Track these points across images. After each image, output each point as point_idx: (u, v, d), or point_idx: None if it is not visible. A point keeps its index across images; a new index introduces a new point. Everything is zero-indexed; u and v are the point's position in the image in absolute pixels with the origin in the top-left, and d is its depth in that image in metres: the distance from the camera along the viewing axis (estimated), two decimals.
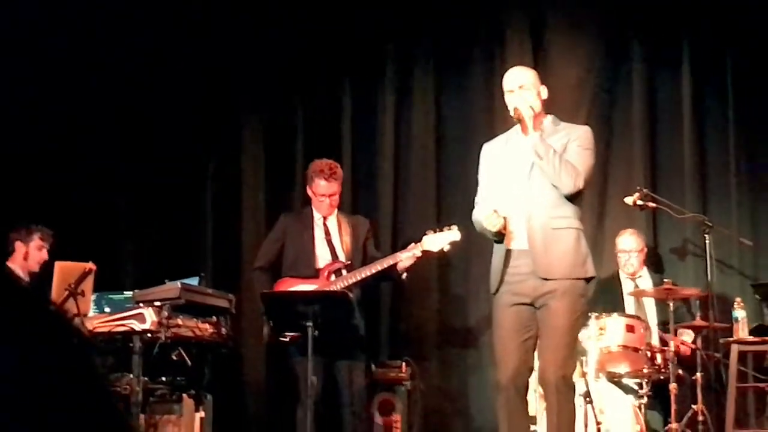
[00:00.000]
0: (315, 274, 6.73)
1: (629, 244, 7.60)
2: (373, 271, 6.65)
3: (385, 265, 6.65)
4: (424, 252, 6.52)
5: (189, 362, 6.42)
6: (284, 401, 7.11)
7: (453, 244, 6.44)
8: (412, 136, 8.37)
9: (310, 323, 6.22)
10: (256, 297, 6.65)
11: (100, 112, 7.98)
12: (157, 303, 6.19)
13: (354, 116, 8.39)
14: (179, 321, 6.25)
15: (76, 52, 7.75)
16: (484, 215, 5.37)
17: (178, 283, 6.33)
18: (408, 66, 8.43)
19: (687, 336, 7.30)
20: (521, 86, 5.47)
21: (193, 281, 6.77)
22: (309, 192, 6.91)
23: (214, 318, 6.57)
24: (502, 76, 5.82)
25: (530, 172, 5.38)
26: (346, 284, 6.64)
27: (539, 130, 5.41)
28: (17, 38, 7.50)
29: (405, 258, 6.56)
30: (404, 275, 6.66)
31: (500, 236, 5.40)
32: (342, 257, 6.82)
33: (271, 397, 7.78)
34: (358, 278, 6.67)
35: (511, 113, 5.46)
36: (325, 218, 6.88)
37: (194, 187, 8.25)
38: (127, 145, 8.11)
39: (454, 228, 6.40)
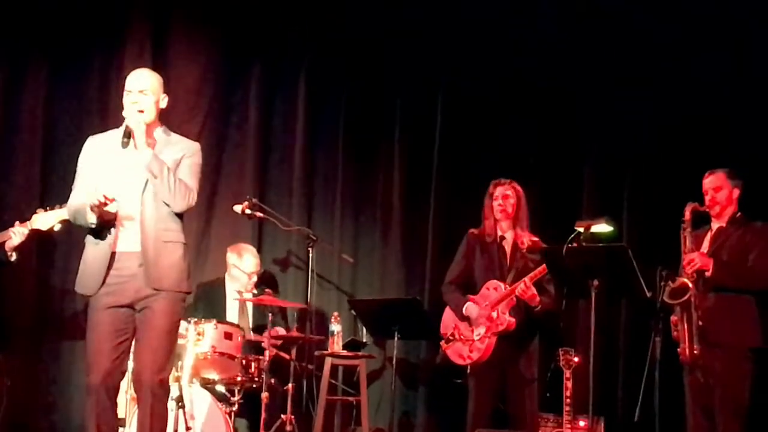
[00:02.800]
0: None
1: (253, 266, 7.67)
2: None
3: None
4: (34, 230, 6.25)
5: None
6: None
7: (63, 222, 6.14)
8: (20, 124, 7.97)
9: None
10: None
11: None
12: None
13: None
14: None
15: None
16: (93, 196, 5.17)
17: None
18: (22, 56, 8.01)
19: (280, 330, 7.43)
20: (141, 90, 5.33)
21: None
22: None
23: None
24: (120, 72, 5.63)
25: (144, 184, 5.27)
26: None
27: (151, 143, 5.28)
28: None
29: (14, 235, 6.26)
30: (13, 256, 6.34)
31: (99, 222, 5.25)
32: None
33: None
34: None
35: (125, 121, 5.30)
36: None
37: None
38: None
39: (65, 206, 5.94)
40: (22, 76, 7.95)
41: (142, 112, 5.29)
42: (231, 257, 7.68)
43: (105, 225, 5.27)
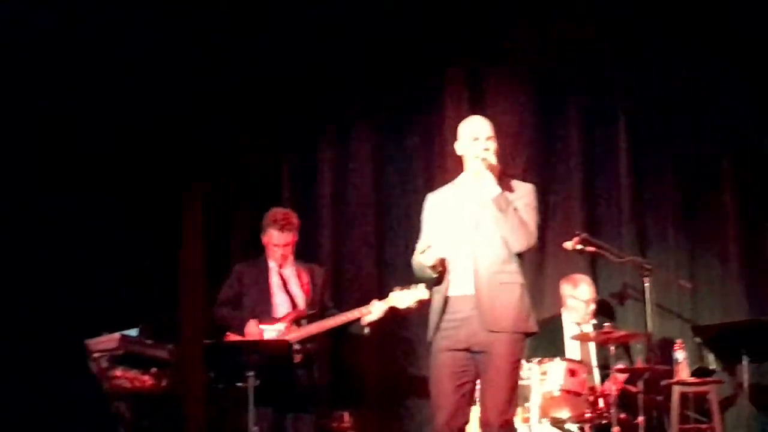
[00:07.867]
0: (274, 323, 6.68)
1: (589, 294, 7.65)
2: (338, 322, 6.56)
3: (351, 318, 6.55)
4: (391, 308, 6.40)
5: (128, 415, 6.33)
6: None
7: (420, 302, 6.19)
8: (352, 185, 8.35)
9: (251, 373, 6.15)
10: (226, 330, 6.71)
11: None
12: (96, 354, 6.13)
13: (294, 166, 8.37)
14: (118, 372, 6.18)
15: None
16: (419, 249, 5.37)
17: (118, 334, 6.27)
18: (348, 117, 8.42)
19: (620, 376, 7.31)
20: (489, 137, 5.48)
21: (133, 332, 6.68)
22: (263, 240, 6.86)
23: (154, 369, 6.48)
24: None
25: (478, 224, 5.40)
26: (308, 334, 6.57)
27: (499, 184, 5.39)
28: None
29: (373, 312, 6.48)
30: (366, 329, 6.55)
31: (437, 274, 5.40)
32: (301, 306, 6.76)
33: None
34: (321, 328, 6.60)
35: (477, 163, 5.40)
36: (280, 266, 6.82)
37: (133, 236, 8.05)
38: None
39: (422, 286, 6.13)
40: (350, 142, 8.38)
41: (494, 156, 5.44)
42: (566, 288, 7.67)
43: (442, 274, 5.43)
